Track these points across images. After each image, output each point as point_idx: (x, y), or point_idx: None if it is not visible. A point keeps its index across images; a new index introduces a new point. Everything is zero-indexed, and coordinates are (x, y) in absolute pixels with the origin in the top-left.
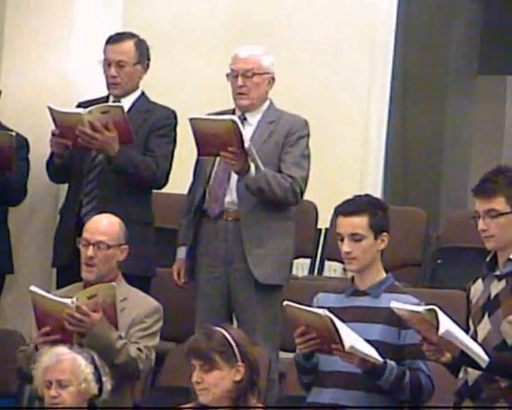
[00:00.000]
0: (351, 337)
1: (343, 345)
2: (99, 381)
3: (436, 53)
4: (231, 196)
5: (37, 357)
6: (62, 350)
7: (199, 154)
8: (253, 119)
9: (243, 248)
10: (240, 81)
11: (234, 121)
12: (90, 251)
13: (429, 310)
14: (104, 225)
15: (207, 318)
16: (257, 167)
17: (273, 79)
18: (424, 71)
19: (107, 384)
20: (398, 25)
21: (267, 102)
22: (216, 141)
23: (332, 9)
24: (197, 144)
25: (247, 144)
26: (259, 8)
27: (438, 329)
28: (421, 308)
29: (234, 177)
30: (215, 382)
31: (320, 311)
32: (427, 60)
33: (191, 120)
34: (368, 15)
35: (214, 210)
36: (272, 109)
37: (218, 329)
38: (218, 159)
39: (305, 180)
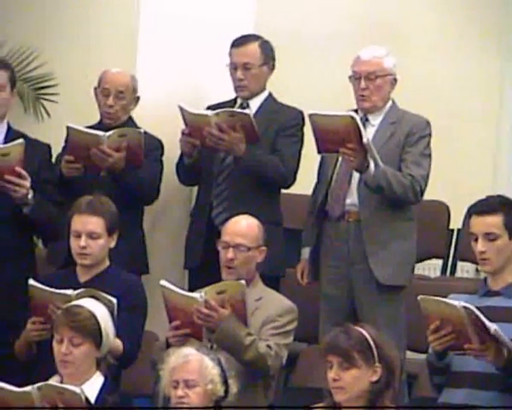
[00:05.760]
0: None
1: (487, 330)
2: (225, 383)
3: None
4: (352, 198)
5: (165, 357)
6: (190, 351)
7: (318, 150)
8: (375, 120)
9: (365, 249)
10: (362, 84)
11: (353, 117)
12: (230, 253)
13: None
14: (244, 228)
15: (331, 318)
16: (376, 164)
17: (395, 79)
18: None
19: (233, 387)
20: None
21: (389, 103)
22: (335, 137)
23: (457, 9)
24: (316, 140)
25: (365, 139)
26: (387, 9)
27: None
28: None
29: (355, 178)
30: (353, 380)
31: (455, 302)
32: None
33: (311, 115)
34: (495, 15)
35: (335, 211)
36: (394, 110)
37: (357, 328)
38: (339, 161)
39: (426, 179)
